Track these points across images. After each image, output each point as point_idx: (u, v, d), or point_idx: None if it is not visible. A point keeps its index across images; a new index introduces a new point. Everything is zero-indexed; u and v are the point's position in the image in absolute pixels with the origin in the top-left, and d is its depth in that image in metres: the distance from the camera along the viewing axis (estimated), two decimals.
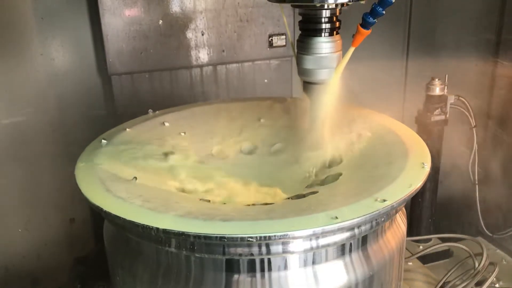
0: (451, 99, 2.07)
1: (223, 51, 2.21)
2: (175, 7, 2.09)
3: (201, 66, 2.22)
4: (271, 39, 2.26)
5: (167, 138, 1.40)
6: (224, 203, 1.19)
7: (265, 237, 0.92)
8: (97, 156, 1.25)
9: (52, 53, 2.11)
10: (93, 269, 1.85)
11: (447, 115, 2.06)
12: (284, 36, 2.27)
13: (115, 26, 2.03)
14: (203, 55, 2.19)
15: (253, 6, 2.19)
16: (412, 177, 1.13)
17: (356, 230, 1.04)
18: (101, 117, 2.19)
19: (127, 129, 1.41)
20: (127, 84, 2.15)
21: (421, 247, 2.01)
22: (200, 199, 1.16)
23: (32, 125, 2.11)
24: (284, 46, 2.29)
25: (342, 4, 1.23)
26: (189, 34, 2.14)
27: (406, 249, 1.98)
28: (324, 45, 1.27)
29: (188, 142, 1.40)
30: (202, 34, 2.16)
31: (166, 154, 1.32)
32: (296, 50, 1.32)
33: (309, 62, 1.29)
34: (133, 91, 2.16)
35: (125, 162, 1.24)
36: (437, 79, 2.05)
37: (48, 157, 2.16)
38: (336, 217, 0.96)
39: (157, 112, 1.56)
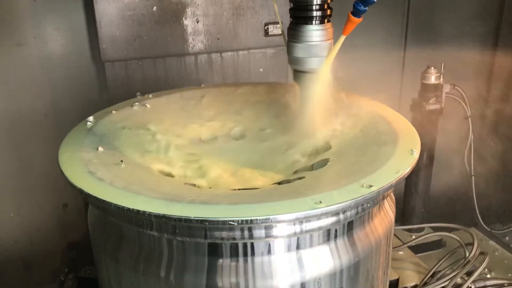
0: (447, 88, 2.05)
1: (218, 39, 2.19)
2: None
3: (195, 54, 2.20)
4: (267, 28, 2.24)
5: (154, 121, 1.38)
6: (210, 188, 1.18)
7: (247, 220, 0.91)
8: (82, 138, 1.24)
9: (45, 37, 2.09)
10: (85, 254, 1.85)
11: (442, 104, 2.04)
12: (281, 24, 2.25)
13: (108, 12, 2.01)
14: (198, 43, 2.17)
15: None
16: (400, 163, 1.11)
17: (341, 216, 1.02)
18: (94, 102, 2.17)
19: (113, 112, 1.39)
20: (120, 70, 2.14)
21: (413, 236, 2.00)
22: (185, 183, 1.14)
23: (24, 109, 2.10)
24: (280, 35, 2.24)
25: None
26: (184, 21, 2.12)
27: (398, 238, 1.97)
28: (315, 33, 1.25)
29: (176, 126, 1.39)
30: (197, 22, 2.14)
31: (152, 137, 1.30)
32: (286, 38, 1.31)
33: (299, 50, 1.27)
34: (127, 78, 2.15)
35: (110, 144, 1.22)
36: (432, 68, 2.03)
37: (40, 141, 2.15)
38: (321, 202, 0.95)
39: (146, 95, 1.55)
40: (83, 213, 2.31)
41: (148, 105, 1.49)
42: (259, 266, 1.00)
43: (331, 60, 1.27)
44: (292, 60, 1.30)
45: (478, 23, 2.50)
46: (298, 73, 1.32)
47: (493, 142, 2.43)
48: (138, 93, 1.54)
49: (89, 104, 2.17)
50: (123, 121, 1.36)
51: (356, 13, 1.18)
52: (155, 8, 2.06)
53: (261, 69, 2.32)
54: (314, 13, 1.24)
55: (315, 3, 1.23)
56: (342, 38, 1.24)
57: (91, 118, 1.35)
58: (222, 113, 1.48)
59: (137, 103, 1.48)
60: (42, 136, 2.16)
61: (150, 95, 1.56)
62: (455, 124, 2.21)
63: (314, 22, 1.25)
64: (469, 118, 2.18)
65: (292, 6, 1.27)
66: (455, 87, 2.09)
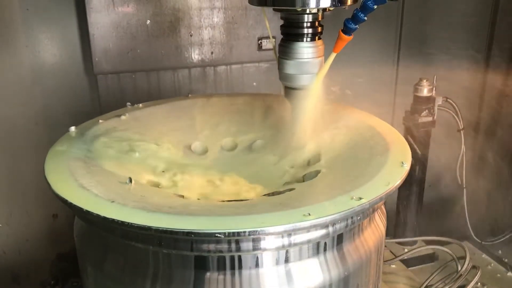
0: (439, 100, 2.05)
1: (212, 53, 2.19)
2: (163, 7, 2.06)
3: (189, 67, 2.19)
4: (261, 42, 2.24)
5: (143, 131, 1.37)
6: (199, 199, 1.17)
7: (234, 233, 0.89)
8: (68, 148, 1.22)
9: (37, 46, 2.07)
10: (75, 265, 1.82)
11: (435, 117, 2.04)
12: (274, 39, 2.26)
13: (101, 25, 2.00)
14: (191, 56, 2.17)
15: (243, 9, 2.17)
16: (391, 175, 1.10)
17: (331, 228, 1.01)
18: (85, 113, 2.13)
19: (101, 121, 1.38)
20: (113, 83, 2.13)
21: (405, 250, 1.99)
22: (174, 194, 1.13)
23: (15, 118, 2.07)
24: (273, 49, 2.28)
25: (324, 9, 1.21)
26: (177, 35, 2.11)
27: (390, 251, 1.96)
28: (306, 50, 1.26)
29: (165, 136, 1.37)
30: (191, 35, 2.14)
31: (140, 147, 1.29)
32: (278, 55, 1.31)
33: (290, 67, 1.27)
34: (119, 91, 2.13)
35: (96, 154, 1.21)
36: (425, 80, 2.03)
37: (31, 151, 2.11)
38: (309, 214, 0.93)
39: (135, 105, 1.54)
40: (72, 223, 2.27)
41: (137, 115, 1.48)
42: (247, 279, 0.98)
43: (322, 77, 1.27)
44: (283, 76, 1.30)
45: (470, 36, 2.51)
46: (289, 90, 1.32)
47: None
48: (128, 103, 1.53)
49: (80, 115, 2.12)
50: (111, 131, 1.35)
51: (346, 31, 1.18)
52: (148, 21, 2.06)
53: (254, 83, 2.32)
54: (305, 31, 1.24)
55: (306, 20, 1.23)
56: (333, 56, 1.24)
57: (72, 128, 1.33)
58: (213, 124, 1.47)
59: (126, 113, 1.47)
60: (32, 145, 2.13)
61: (140, 105, 1.55)
62: (447, 137, 2.20)
63: (305, 39, 1.25)
64: (462, 131, 2.18)
65: (283, 23, 1.27)
66: (448, 99, 2.08)
